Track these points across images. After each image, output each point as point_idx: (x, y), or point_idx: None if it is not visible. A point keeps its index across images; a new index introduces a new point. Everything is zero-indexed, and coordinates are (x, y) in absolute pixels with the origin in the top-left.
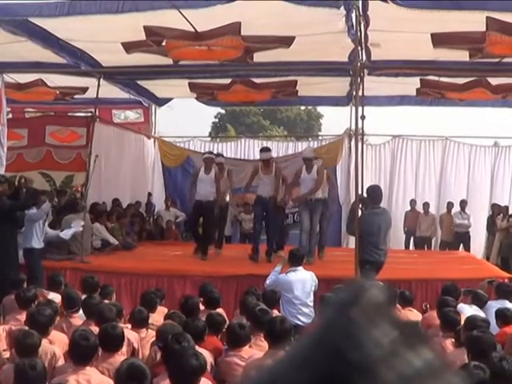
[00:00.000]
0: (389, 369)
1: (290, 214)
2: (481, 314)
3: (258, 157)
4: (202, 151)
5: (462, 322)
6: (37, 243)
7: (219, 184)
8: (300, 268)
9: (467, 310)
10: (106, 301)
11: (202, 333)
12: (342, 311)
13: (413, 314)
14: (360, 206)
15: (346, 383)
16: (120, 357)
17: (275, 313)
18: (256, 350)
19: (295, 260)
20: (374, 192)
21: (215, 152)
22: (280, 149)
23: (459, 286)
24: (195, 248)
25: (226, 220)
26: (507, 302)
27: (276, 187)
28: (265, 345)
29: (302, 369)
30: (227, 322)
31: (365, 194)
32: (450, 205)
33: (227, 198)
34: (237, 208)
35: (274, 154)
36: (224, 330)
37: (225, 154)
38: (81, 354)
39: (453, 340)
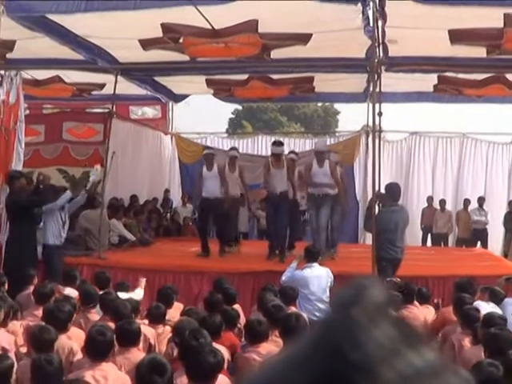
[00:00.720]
0: (389, 368)
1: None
2: (498, 311)
3: None
4: (219, 147)
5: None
6: (54, 240)
7: (223, 178)
8: (316, 264)
9: (484, 307)
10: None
11: (218, 329)
12: (343, 310)
13: (430, 312)
14: (378, 202)
15: (347, 383)
16: (137, 352)
17: (293, 309)
18: (272, 345)
19: (311, 256)
20: (392, 189)
21: (229, 147)
22: (297, 145)
23: (475, 283)
24: (201, 247)
25: (237, 216)
26: None
27: (290, 182)
28: (280, 341)
29: (302, 368)
30: (241, 318)
31: (383, 191)
32: (466, 201)
33: (238, 194)
34: (253, 204)
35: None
36: (239, 325)
37: (242, 151)
38: (97, 349)
39: (471, 337)
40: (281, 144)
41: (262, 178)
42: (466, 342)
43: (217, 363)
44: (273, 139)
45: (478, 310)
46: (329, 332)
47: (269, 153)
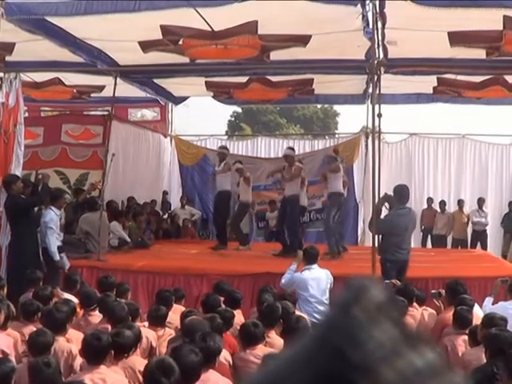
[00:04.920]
0: (390, 368)
1: (306, 212)
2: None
3: (273, 155)
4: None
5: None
6: (57, 242)
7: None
8: (315, 266)
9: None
10: (123, 299)
11: (221, 331)
12: (344, 310)
13: (428, 313)
14: (386, 205)
15: (348, 383)
16: (134, 357)
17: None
18: (268, 348)
19: (310, 258)
20: (401, 192)
21: (230, 149)
22: (296, 147)
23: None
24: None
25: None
26: None
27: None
28: (274, 341)
29: (304, 368)
30: (237, 318)
31: (391, 193)
32: (461, 202)
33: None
34: (255, 206)
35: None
36: (238, 326)
37: (241, 153)
38: (94, 353)
39: (465, 338)
40: (291, 149)
41: (264, 180)
42: (460, 341)
43: (197, 362)
44: (272, 141)
45: (470, 312)
46: (329, 332)
47: (268, 155)
